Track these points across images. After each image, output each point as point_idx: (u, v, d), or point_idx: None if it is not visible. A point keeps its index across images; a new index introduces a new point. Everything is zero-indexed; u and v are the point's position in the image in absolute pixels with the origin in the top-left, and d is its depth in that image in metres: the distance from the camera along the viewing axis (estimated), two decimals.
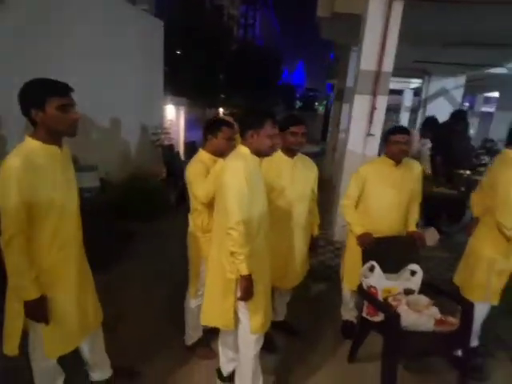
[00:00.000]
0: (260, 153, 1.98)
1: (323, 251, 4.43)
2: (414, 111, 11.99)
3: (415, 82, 12.63)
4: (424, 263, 2.65)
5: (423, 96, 10.38)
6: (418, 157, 4.83)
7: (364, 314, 2.56)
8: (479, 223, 2.61)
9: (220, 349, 2.31)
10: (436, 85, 10.02)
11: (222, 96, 16.70)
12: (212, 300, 2.06)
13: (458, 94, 10.20)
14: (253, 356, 2.08)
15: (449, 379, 2.56)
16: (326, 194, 2.97)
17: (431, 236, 4.49)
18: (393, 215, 2.71)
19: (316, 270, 3.81)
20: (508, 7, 4.00)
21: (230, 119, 2.60)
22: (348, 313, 3.09)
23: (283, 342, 2.89)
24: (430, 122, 5.24)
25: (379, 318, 2.46)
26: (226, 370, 2.33)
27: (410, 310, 2.33)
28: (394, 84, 14.10)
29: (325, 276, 3.92)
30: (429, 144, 4.99)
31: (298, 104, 23.03)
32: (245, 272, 1.87)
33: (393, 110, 14.37)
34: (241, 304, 1.99)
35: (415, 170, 2.76)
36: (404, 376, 2.58)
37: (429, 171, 4.79)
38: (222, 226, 1.91)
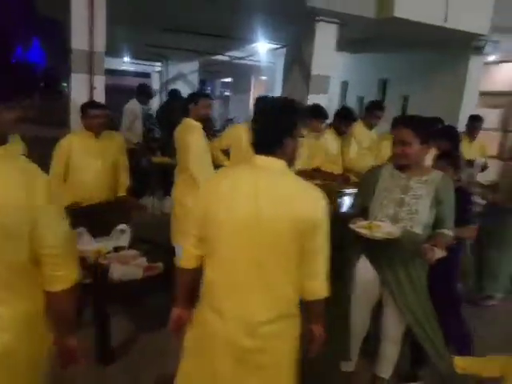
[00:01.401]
0: None
1: None
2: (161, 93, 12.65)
3: (159, 66, 13.33)
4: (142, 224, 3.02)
5: (164, 79, 11.11)
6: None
7: None
8: (179, 180, 3.16)
9: None
10: (174, 69, 10.87)
11: None
12: None
13: (194, 78, 11.40)
14: None
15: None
16: None
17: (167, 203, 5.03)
18: (99, 183, 2.94)
19: None
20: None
21: None
22: None
23: None
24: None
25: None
26: None
27: (118, 264, 2.65)
28: (140, 67, 14.49)
29: None
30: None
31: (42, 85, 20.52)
32: None
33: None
34: None
35: (117, 141, 3.07)
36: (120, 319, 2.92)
37: (152, 144, 5.32)
38: None
